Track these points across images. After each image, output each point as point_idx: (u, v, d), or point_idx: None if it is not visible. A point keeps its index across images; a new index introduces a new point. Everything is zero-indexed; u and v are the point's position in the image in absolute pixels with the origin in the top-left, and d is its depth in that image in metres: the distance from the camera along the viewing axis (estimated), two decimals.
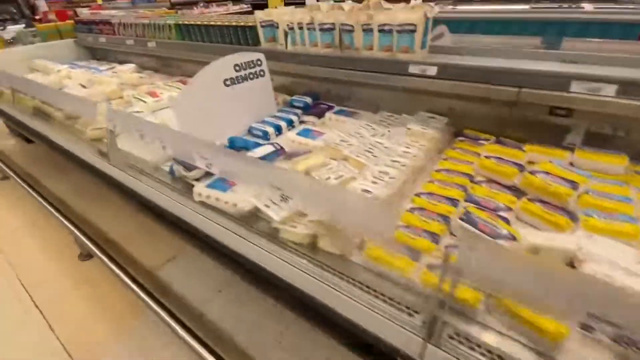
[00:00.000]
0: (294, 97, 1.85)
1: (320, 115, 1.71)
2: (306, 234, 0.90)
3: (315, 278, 0.84)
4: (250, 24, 1.84)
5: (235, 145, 1.33)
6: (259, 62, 1.61)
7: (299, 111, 1.75)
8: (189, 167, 1.18)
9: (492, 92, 1.23)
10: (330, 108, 1.76)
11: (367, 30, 1.45)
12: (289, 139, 1.48)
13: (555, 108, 1.18)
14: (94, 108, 1.31)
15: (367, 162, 1.15)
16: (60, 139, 1.75)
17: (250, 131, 1.62)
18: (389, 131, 1.35)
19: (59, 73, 2.42)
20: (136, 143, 1.24)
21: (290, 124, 1.66)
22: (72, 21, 3.16)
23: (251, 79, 1.60)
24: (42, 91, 1.70)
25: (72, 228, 1.92)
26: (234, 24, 1.90)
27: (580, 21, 3.54)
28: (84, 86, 2.18)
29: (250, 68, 1.59)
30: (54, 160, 2.14)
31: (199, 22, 2.09)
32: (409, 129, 1.35)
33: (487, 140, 1.32)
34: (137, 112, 1.86)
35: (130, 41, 2.62)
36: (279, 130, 1.60)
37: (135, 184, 1.34)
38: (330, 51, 1.61)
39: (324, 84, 1.86)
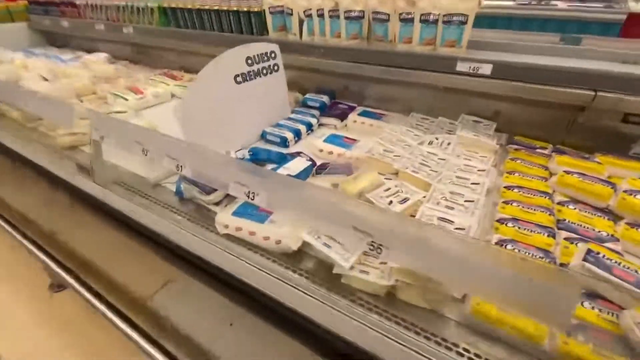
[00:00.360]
0: (307, 96, 1.61)
1: (342, 117, 1.49)
2: (384, 285, 0.69)
3: (400, 343, 0.64)
4: (255, 9, 1.57)
5: (259, 158, 1.08)
6: (273, 55, 1.36)
7: (316, 112, 1.53)
8: (205, 189, 0.92)
9: (561, 95, 1.08)
10: (351, 108, 1.54)
11: (406, 19, 1.24)
12: (315, 146, 1.25)
13: (630, 115, 1.05)
14: (70, 112, 1.01)
15: (427, 179, 0.95)
16: (20, 147, 1.40)
17: (264, 137, 1.37)
18: (436, 138, 1.17)
19: (12, 63, 2.01)
20: (127, 154, 0.96)
21: (310, 127, 1.43)
22: (24, 1, 2.68)
23: (264, 74, 1.35)
24: None
25: (36, 251, 1.58)
26: (234, 8, 1.62)
27: (559, 19, 3.58)
28: (45, 79, 1.81)
29: (264, 62, 1.33)
30: (10, 168, 1.76)
31: (189, 6, 1.78)
32: (459, 135, 1.17)
33: (543, 148, 1.17)
34: (119, 112, 1.55)
35: (100, 26, 2.24)
36: (298, 135, 1.37)
37: (126, 206, 1.05)
38: (356, 43, 1.39)
39: (341, 80, 1.63)
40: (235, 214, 0.86)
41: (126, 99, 1.68)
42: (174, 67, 2.21)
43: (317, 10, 1.40)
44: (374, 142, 1.15)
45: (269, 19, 1.55)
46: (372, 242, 0.56)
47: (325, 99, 1.58)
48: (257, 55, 1.30)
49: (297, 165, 1.00)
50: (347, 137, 1.26)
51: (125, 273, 1.66)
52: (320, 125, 1.50)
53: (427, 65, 1.27)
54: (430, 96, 1.42)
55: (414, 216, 0.85)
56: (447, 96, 1.38)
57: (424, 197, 0.89)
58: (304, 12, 1.44)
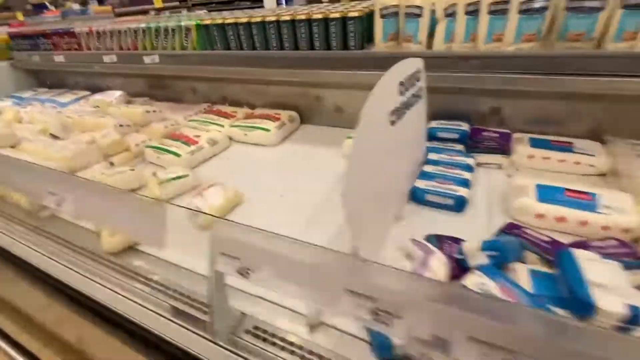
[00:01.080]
0: (435, 125, 1.17)
1: (502, 151, 1.06)
2: None
3: None
4: (354, 14, 1.13)
5: (507, 259, 0.62)
6: (418, 76, 0.92)
7: (459, 147, 1.09)
8: None
9: None
10: (504, 137, 1.11)
11: (633, 5, 0.82)
12: (529, 210, 0.80)
13: None
14: (162, 220, 0.53)
15: None
16: (42, 260, 0.88)
17: (417, 197, 0.92)
18: None
19: (1, 116, 1.49)
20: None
21: (471, 172, 0.98)
22: (4, 36, 2.16)
23: (412, 105, 0.90)
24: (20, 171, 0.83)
25: None
26: (319, 16, 1.17)
27: None
28: (55, 136, 1.30)
29: (411, 87, 0.88)
30: (13, 284, 1.18)
31: (243, 20, 1.32)
32: None
33: None
34: (179, 177, 1.06)
35: (111, 57, 1.75)
36: (466, 186, 0.92)
37: None
38: (530, 47, 0.96)
39: (486, 100, 1.19)
40: None
41: (178, 155, 1.19)
42: (213, 101, 1.74)
43: (467, 5, 0.96)
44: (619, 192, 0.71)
45: (378, 24, 1.11)
46: None
47: (465, 127, 1.14)
48: (407, 78, 0.85)
49: (603, 271, 0.54)
50: (569, 190, 0.81)
51: None
52: (478, 164, 1.05)
53: None
54: (621, 111, 1.00)
55: None
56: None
57: None
58: (444, 10, 1.00)
